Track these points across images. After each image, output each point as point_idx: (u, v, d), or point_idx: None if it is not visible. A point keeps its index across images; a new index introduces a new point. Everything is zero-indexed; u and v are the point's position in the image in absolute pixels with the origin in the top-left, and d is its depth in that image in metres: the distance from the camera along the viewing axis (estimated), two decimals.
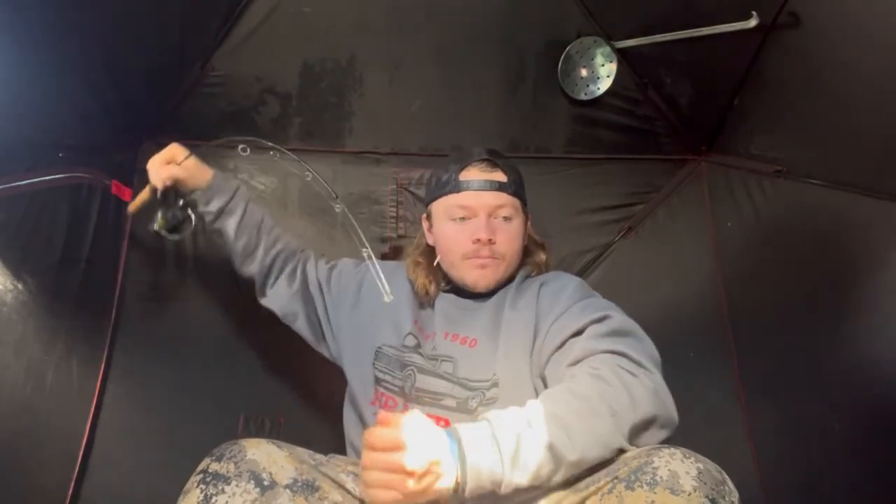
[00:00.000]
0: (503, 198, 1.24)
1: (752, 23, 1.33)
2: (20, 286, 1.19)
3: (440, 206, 1.29)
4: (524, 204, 1.31)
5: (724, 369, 1.59)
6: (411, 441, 0.79)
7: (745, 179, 1.59)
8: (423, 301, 1.30)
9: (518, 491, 0.85)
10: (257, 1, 1.60)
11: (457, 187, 1.25)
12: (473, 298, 1.28)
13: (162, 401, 1.55)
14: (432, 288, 1.29)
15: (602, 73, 1.70)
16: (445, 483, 0.81)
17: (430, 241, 1.34)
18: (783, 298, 1.45)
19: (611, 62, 1.69)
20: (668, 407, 0.93)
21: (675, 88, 1.68)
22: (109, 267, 1.53)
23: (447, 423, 1.03)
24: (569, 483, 0.88)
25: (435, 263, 1.31)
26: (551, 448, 0.83)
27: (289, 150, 1.75)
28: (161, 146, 1.71)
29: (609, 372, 0.92)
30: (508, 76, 1.73)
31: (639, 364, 0.95)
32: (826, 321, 1.31)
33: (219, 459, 0.87)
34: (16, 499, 1.17)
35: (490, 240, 1.22)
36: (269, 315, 1.43)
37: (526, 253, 1.33)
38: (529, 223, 1.35)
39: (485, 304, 1.26)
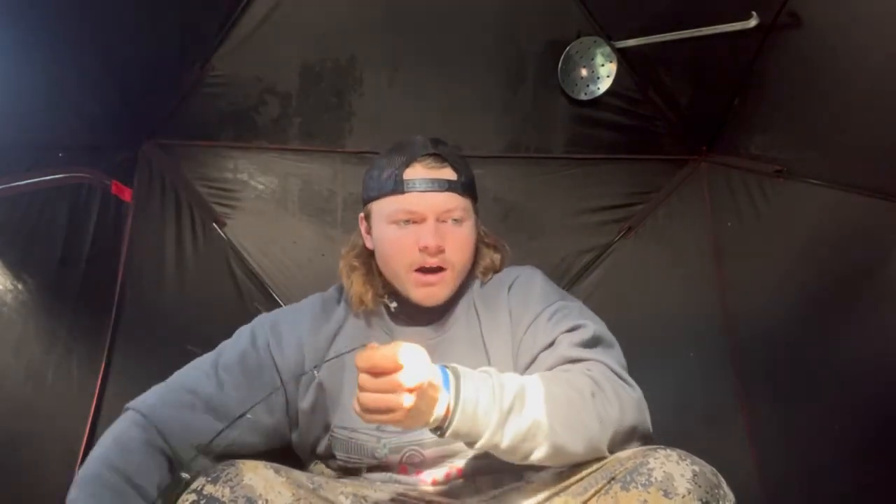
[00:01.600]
0: (453, 199, 1.09)
1: (752, 23, 1.33)
2: (20, 286, 1.19)
3: (380, 208, 1.11)
4: (475, 202, 1.17)
5: (724, 369, 1.59)
6: (408, 361, 0.76)
7: (745, 179, 1.59)
8: (364, 317, 1.16)
9: (484, 457, 0.89)
10: (257, 1, 1.60)
11: (399, 187, 1.08)
12: (430, 323, 1.14)
13: None
14: (369, 297, 1.13)
15: (602, 73, 1.70)
16: (436, 411, 0.79)
17: (369, 245, 1.18)
18: (783, 298, 1.45)
19: (611, 62, 1.69)
20: (647, 419, 0.95)
21: (675, 88, 1.68)
22: (109, 267, 1.53)
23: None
24: (567, 487, 0.87)
25: (374, 270, 1.17)
26: (539, 425, 0.82)
27: (289, 150, 1.78)
28: (161, 146, 1.72)
29: (601, 376, 0.92)
30: (508, 76, 1.74)
31: (621, 375, 0.95)
32: (826, 321, 1.30)
33: (214, 481, 0.84)
34: (16, 499, 1.17)
35: (439, 247, 1.07)
36: None
37: (476, 255, 1.19)
38: (479, 222, 1.21)
39: (451, 335, 1.14)
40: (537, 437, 0.82)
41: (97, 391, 1.44)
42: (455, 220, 1.10)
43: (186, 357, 1.59)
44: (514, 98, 1.75)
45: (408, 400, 0.75)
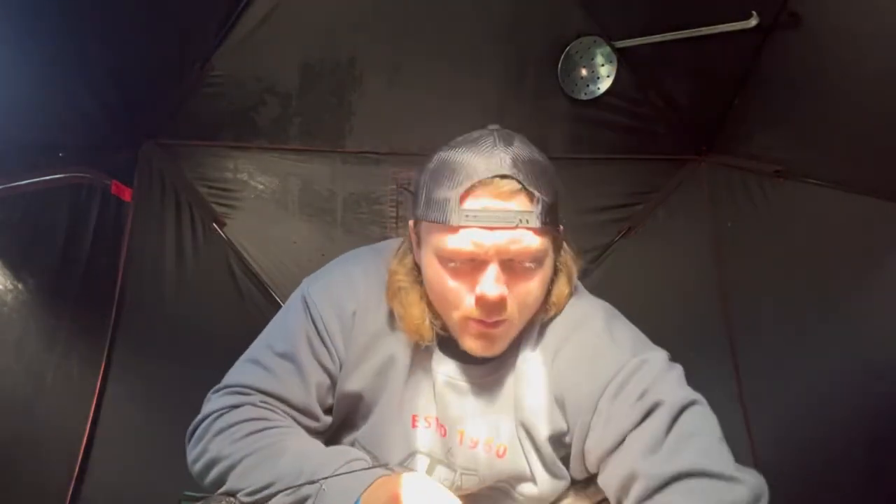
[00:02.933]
0: (528, 237, 0.81)
1: (752, 23, 1.33)
2: (20, 286, 1.19)
3: (430, 236, 0.86)
4: (558, 228, 0.88)
5: (724, 369, 1.59)
6: None
7: (745, 179, 1.59)
8: (417, 348, 0.95)
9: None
10: (257, 1, 1.60)
11: (456, 218, 0.81)
12: (479, 363, 0.94)
13: (162, 401, 1.55)
14: (426, 327, 0.91)
15: (602, 73, 1.70)
16: None
17: (418, 260, 0.93)
18: (783, 298, 1.45)
19: (611, 62, 1.69)
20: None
21: (675, 88, 1.68)
22: (109, 267, 1.53)
23: None
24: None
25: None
26: None
27: (289, 150, 1.77)
28: (161, 146, 1.72)
29: None
30: (508, 76, 1.73)
31: (728, 479, 0.74)
32: (826, 321, 1.30)
33: None
34: (16, 499, 1.17)
35: (502, 299, 0.82)
36: (269, 315, 1.43)
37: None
38: (564, 242, 0.95)
39: (503, 381, 0.95)
40: None
41: (97, 391, 1.44)
42: (529, 263, 0.83)
43: (186, 356, 1.61)
44: (514, 98, 1.75)
45: None
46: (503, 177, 0.80)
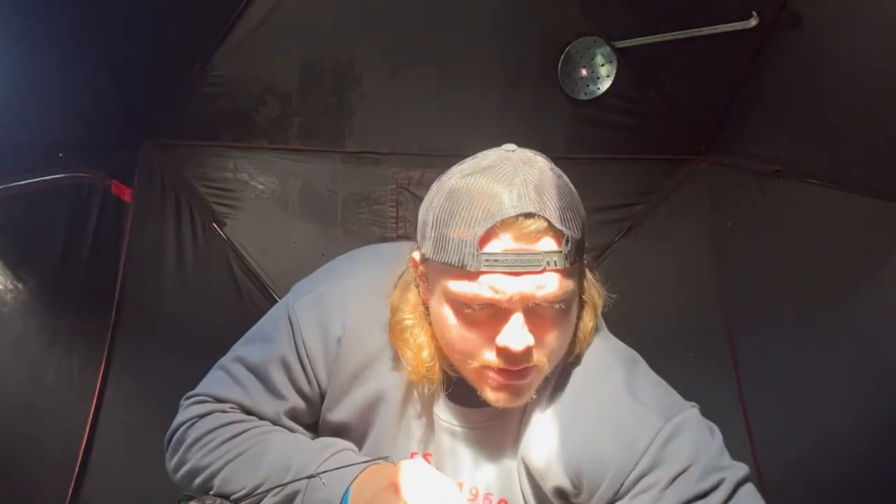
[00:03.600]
0: (553, 280, 0.70)
1: (752, 23, 1.33)
2: (20, 286, 1.19)
3: (442, 279, 0.74)
4: (583, 263, 0.80)
5: (724, 369, 1.59)
6: None
7: (745, 179, 1.59)
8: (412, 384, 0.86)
9: None
10: (257, 1, 1.60)
11: (474, 263, 0.69)
12: (486, 406, 0.81)
13: (162, 401, 1.54)
14: (436, 371, 0.81)
15: (602, 73, 1.70)
16: None
17: (425, 297, 0.80)
18: (783, 298, 1.45)
19: (611, 62, 1.69)
20: None
21: (675, 88, 1.68)
22: (109, 267, 1.53)
23: None
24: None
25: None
26: None
27: (289, 150, 1.77)
28: (161, 146, 1.72)
29: None
30: (508, 76, 1.73)
31: None
32: (826, 321, 1.30)
33: None
34: (16, 499, 1.17)
35: (528, 350, 0.71)
36: None
37: None
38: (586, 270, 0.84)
39: (508, 427, 0.86)
40: None
41: (97, 391, 1.44)
42: (557, 306, 0.72)
43: (186, 357, 1.60)
44: (514, 98, 1.75)
45: None
46: (528, 215, 0.68)
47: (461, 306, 0.73)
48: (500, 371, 0.74)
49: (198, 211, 1.73)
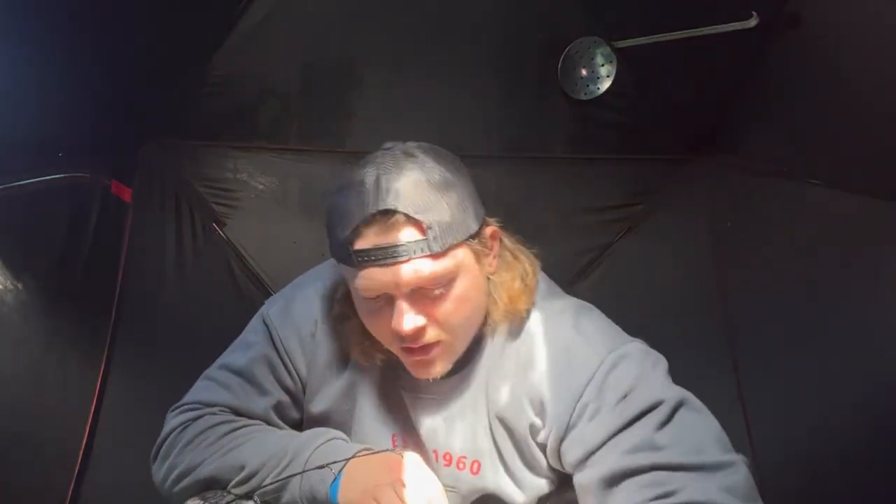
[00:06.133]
0: (424, 265, 0.78)
1: (752, 23, 1.33)
2: (20, 286, 1.19)
3: (346, 276, 0.86)
4: (474, 237, 0.84)
5: (724, 369, 1.59)
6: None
7: (745, 179, 1.59)
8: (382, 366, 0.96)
9: None
10: (257, 1, 1.60)
11: (354, 261, 0.80)
12: (448, 376, 0.91)
13: (162, 401, 1.55)
14: (371, 355, 0.93)
15: (602, 73, 1.70)
16: None
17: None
18: (783, 298, 1.45)
19: (611, 62, 1.69)
20: None
21: (675, 88, 1.68)
22: (109, 267, 1.53)
23: None
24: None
25: None
26: None
27: (289, 150, 1.77)
28: (161, 146, 1.72)
29: None
30: (508, 76, 1.73)
31: (728, 465, 0.76)
32: (826, 321, 1.30)
33: None
34: (16, 498, 1.17)
35: (417, 330, 0.81)
36: None
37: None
38: (499, 241, 0.92)
39: (461, 402, 0.93)
40: None
41: (97, 391, 1.44)
42: (437, 291, 0.81)
43: (186, 356, 1.61)
44: (514, 98, 1.75)
45: None
46: (384, 212, 0.77)
47: (360, 298, 0.84)
48: (406, 349, 0.84)
49: (198, 211, 1.73)
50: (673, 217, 1.78)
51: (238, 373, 0.98)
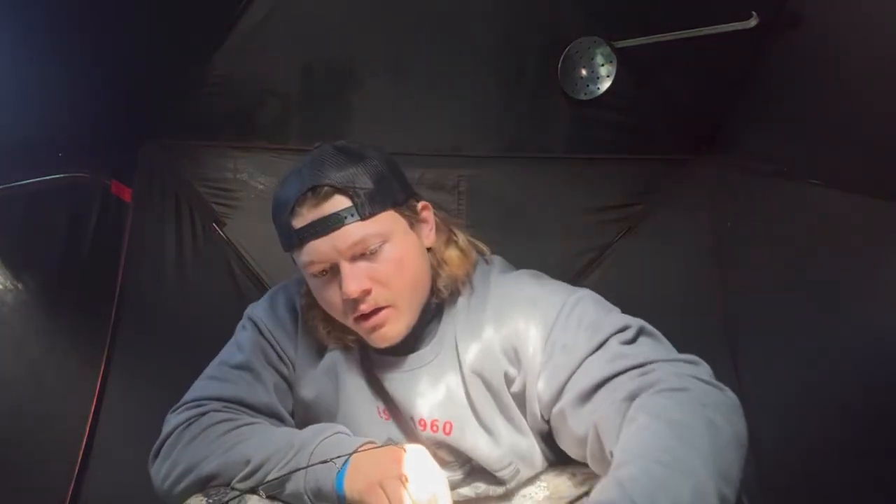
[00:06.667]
0: (356, 229, 0.88)
1: (752, 23, 1.33)
2: (20, 286, 1.19)
3: (295, 260, 0.96)
4: (402, 205, 0.94)
5: (724, 369, 1.59)
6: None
7: (745, 179, 1.59)
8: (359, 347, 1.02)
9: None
10: (257, 1, 1.60)
11: (295, 242, 0.90)
12: (405, 353, 0.99)
13: (162, 401, 1.54)
14: (335, 339, 1.01)
15: (602, 73, 1.70)
16: None
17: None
18: (783, 299, 1.45)
19: (611, 62, 1.69)
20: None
21: (675, 88, 1.68)
22: (109, 267, 1.53)
23: None
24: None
25: None
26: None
27: (289, 150, 1.77)
28: (161, 146, 1.72)
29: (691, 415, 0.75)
30: (508, 76, 1.73)
31: (697, 362, 0.84)
32: (826, 321, 1.30)
33: None
34: (16, 499, 1.17)
35: (364, 292, 0.88)
36: None
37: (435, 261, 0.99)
38: (427, 214, 1.00)
39: (431, 366, 0.99)
40: None
41: (97, 391, 1.44)
42: (371, 250, 0.89)
43: (186, 357, 1.61)
44: (514, 98, 1.75)
45: None
46: (312, 189, 0.88)
47: (311, 277, 0.93)
48: (360, 317, 0.91)
49: (198, 211, 1.73)
50: (673, 217, 1.78)
51: (238, 367, 1.03)
